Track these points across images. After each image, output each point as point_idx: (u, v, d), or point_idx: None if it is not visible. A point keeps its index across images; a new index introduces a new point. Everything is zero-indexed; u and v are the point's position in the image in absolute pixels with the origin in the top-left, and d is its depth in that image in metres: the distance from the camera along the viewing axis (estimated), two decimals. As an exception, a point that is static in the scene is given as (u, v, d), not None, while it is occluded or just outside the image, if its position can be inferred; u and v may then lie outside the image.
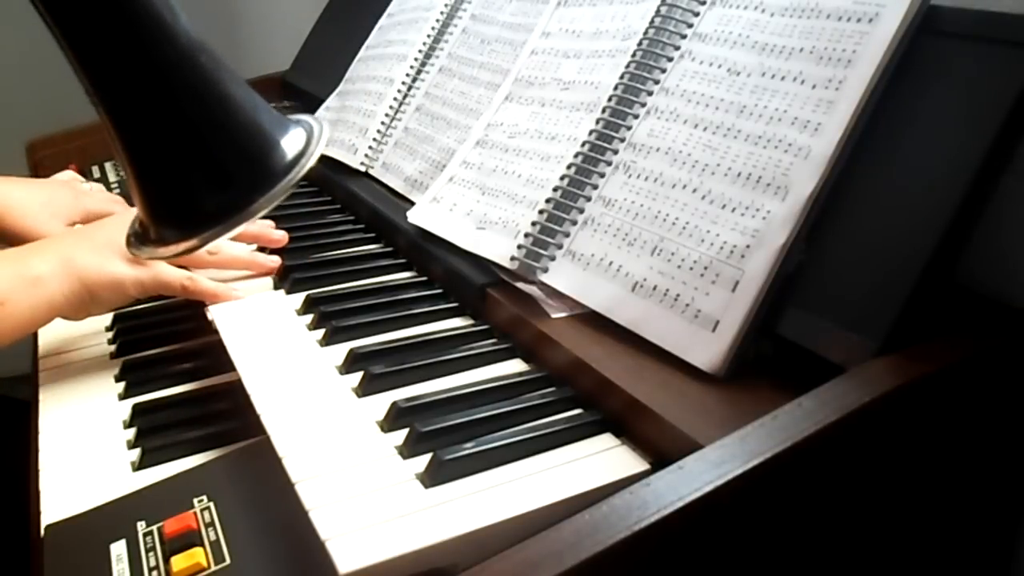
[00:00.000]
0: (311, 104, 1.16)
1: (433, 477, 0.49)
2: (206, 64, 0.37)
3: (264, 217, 0.85)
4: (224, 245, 0.77)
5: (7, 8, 1.43)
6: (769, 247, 0.55)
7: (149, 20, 0.35)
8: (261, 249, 0.84)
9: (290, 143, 0.40)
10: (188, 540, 0.50)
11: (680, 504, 0.40)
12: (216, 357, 0.69)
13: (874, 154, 0.54)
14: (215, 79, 0.37)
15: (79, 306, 0.68)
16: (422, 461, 0.50)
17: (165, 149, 0.38)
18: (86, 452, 0.61)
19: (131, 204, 0.86)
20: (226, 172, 0.38)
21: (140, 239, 0.40)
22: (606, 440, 0.53)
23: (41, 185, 0.95)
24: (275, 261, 0.80)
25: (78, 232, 0.76)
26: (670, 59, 0.67)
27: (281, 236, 0.84)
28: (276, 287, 0.78)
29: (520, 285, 0.67)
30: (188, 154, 0.38)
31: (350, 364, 0.62)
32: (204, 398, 0.68)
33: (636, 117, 0.66)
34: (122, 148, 0.37)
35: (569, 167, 0.68)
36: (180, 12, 0.36)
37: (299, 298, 0.74)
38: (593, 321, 0.61)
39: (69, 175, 1.03)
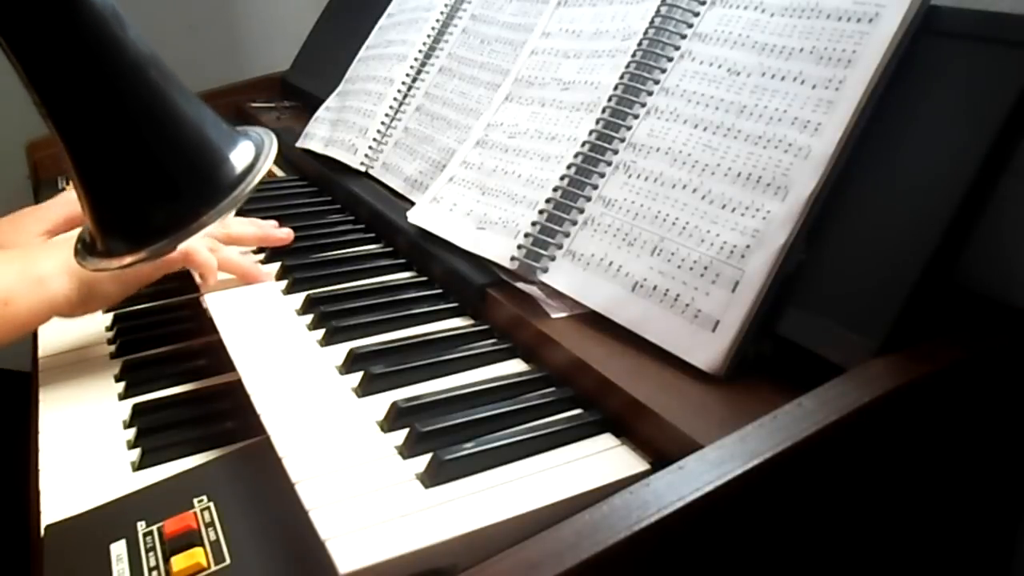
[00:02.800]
0: (311, 104, 1.16)
1: (433, 477, 0.49)
2: (155, 78, 0.37)
3: (265, 217, 0.86)
4: (223, 248, 0.77)
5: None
6: (769, 247, 0.55)
7: (98, 33, 0.35)
8: (261, 249, 0.84)
9: (239, 156, 0.40)
10: (188, 540, 0.50)
11: (680, 504, 0.40)
12: (216, 357, 0.69)
13: (874, 154, 0.54)
14: (164, 93, 0.38)
15: (79, 304, 0.68)
16: (422, 461, 0.50)
17: (113, 162, 0.38)
18: (86, 452, 0.61)
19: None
20: (174, 185, 0.39)
21: (88, 249, 0.40)
22: (606, 440, 0.53)
23: (5, 221, 0.94)
24: (268, 275, 0.79)
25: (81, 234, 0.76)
26: (670, 59, 0.67)
27: (286, 234, 0.83)
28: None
29: (520, 285, 0.67)
30: (136, 167, 0.38)
31: (350, 364, 0.62)
32: (204, 398, 0.68)
33: (636, 117, 0.66)
34: (70, 160, 0.37)
35: (569, 167, 0.68)
36: (130, 25, 0.36)
37: (299, 298, 0.74)
38: (593, 321, 0.61)
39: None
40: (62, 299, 0.67)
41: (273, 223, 0.85)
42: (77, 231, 0.86)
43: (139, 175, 0.38)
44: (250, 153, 0.40)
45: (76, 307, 0.68)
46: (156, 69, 0.37)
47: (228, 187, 0.39)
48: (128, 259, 0.39)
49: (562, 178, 0.68)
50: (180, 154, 0.38)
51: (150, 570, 0.49)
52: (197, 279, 0.76)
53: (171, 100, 0.38)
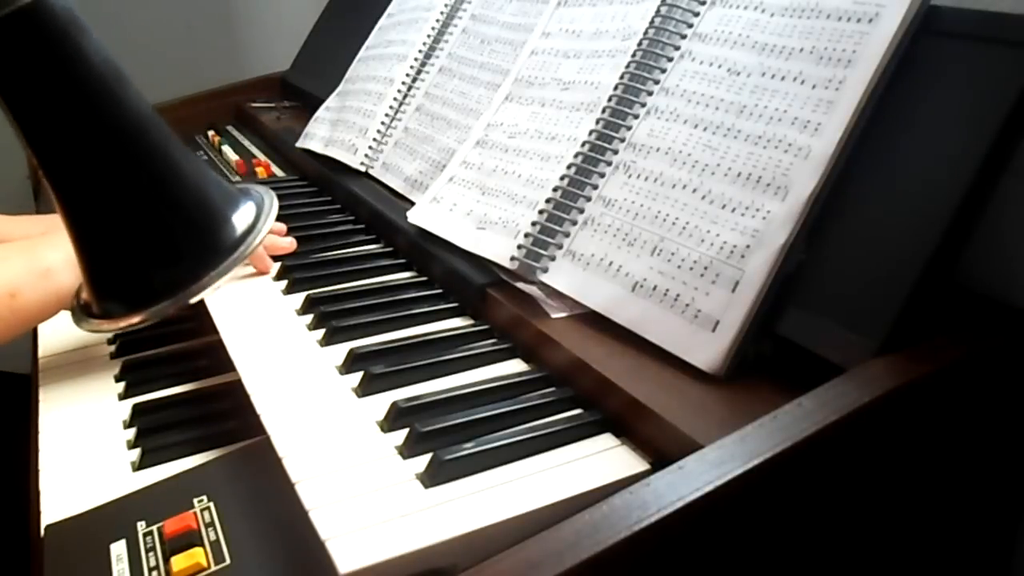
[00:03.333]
0: (311, 104, 1.16)
1: (433, 477, 0.49)
2: (155, 139, 0.37)
3: None
4: None
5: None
6: (769, 247, 0.55)
7: (99, 94, 0.35)
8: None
9: (240, 217, 0.39)
10: (188, 540, 0.50)
11: (680, 504, 0.40)
12: (216, 357, 0.69)
13: (874, 154, 0.54)
14: (164, 154, 0.37)
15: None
16: (422, 461, 0.50)
17: (113, 225, 0.37)
18: (86, 452, 0.61)
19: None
20: (175, 248, 0.38)
21: (84, 311, 0.40)
22: (606, 440, 0.53)
23: (38, 219, 0.95)
24: (272, 264, 0.80)
25: None
26: (670, 59, 0.67)
27: (289, 243, 0.83)
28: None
29: (520, 285, 0.67)
30: (137, 231, 0.37)
31: (350, 364, 0.62)
32: (204, 398, 0.68)
33: (636, 117, 0.66)
34: (67, 222, 0.37)
35: (569, 167, 0.68)
36: (130, 83, 0.36)
37: (299, 298, 0.74)
38: (593, 321, 0.61)
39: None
40: (68, 292, 0.66)
41: (282, 227, 0.85)
42: None
43: (140, 239, 0.37)
44: (251, 213, 0.40)
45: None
46: (156, 129, 0.37)
47: (229, 248, 0.38)
48: (125, 322, 0.38)
49: (562, 178, 0.68)
50: (181, 216, 0.38)
51: (150, 570, 0.49)
52: None
53: (172, 161, 0.37)
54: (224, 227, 0.39)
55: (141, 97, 0.36)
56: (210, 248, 0.38)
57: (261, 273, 0.79)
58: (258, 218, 0.40)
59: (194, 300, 0.38)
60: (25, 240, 0.71)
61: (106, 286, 0.39)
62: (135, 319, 0.38)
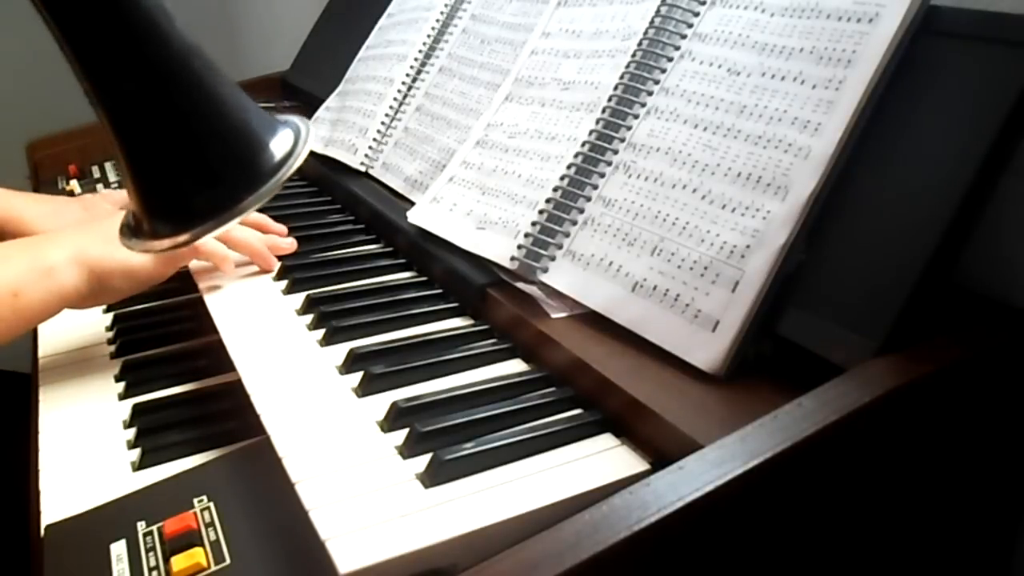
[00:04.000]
0: (311, 104, 1.16)
1: (433, 477, 0.49)
2: (199, 68, 0.38)
3: (269, 216, 0.86)
4: (235, 229, 0.78)
5: (7, 10, 1.43)
6: (769, 247, 0.55)
7: (146, 25, 0.37)
8: None
9: (278, 144, 0.41)
10: (188, 540, 0.50)
11: (680, 504, 0.40)
12: (216, 357, 0.69)
13: (874, 154, 0.54)
14: (207, 82, 0.39)
15: (88, 296, 0.68)
16: (422, 461, 0.50)
17: (160, 148, 0.39)
18: (86, 452, 0.61)
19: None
20: (216, 171, 0.40)
21: (133, 231, 0.42)
22: (606, 440, 0.53)
23: (49, 199, 0.95)
24: (276, 263, 0.81)
25: (91, 222, 0.77)
26: (670, 59, 0.67)
27: (290, 244, 0.83)
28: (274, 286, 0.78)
29: (520, 285, 0.67)
30: (181, 153, 0.39)
31: (350, 364, 0.62)
32: (204, 398, 0.68)
33: (636, 117, 0.66)
34: (119, 146, 0.39)
35: (569, 167, 0.68)
36: (175, 17, 0.38)
37: (299, 298, 0.74)
38: (593, 321, 0.61)
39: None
40: (72, 291, 0.66)
41: (283, 228, 0.85)
42: (83, 219, 0.88)
43: (184, 161, 0.39)
44: (289, 140, 0.42)
45: (86, 299, 0.68)
46: (200, 59, 0.39)
47: (268, 173, 0.40)
48: (172, 241, 0.40)
49: (562, 178, 0.68)
50: (223, 141, 0.40)
51: (150, 570, 0.49)
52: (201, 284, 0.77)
53: (215, 89, 0.39)
54: (263, 152, 0.41)
55: (186, 30, 0.38)
56: (250, 172, 0.40)
57: (265, 271, 0.79)
58: (296, 144, 0.42)
59: (236, 221, 0.40)
60: (28, 238, 0.71)
61: (153, 207, 0.41)
62: (180, 238, 0.40)
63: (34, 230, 0.84)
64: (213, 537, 0.51)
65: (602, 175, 0.66)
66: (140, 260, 0.70)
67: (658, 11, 0.69)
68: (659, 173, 0.62)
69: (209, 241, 0.74)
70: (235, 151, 0.40)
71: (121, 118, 0.38)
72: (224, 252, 0.77)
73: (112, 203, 0.95)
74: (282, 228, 0.85)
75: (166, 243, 0.40)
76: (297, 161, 0.41)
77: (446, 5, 0.99)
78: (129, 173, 0.40)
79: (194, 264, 0.79)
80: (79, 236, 0.68)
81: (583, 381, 0.57)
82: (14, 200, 0.88)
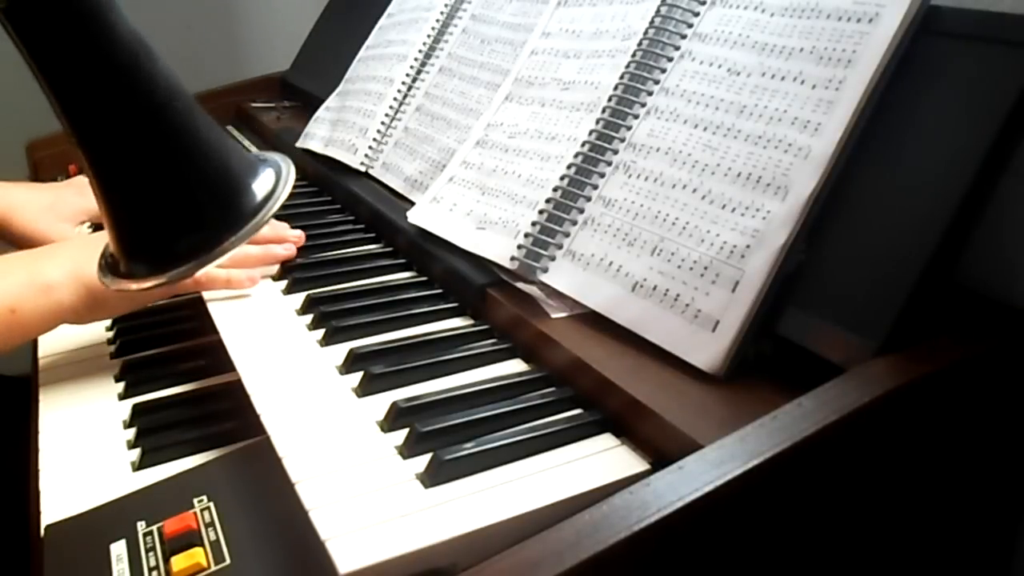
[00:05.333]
0: (311, 104, 1.16)
1: (433, 477, 0.49)
2: (181, 109, 0.38)
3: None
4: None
5: (7, 8, 1.42)
6: (769, 247, 0.55)
7: (129, 67, 0.37)
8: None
9: (260, 184, 0.41)
10: (188, 540, 0.50)
11: (680, 504, 0.40)
12: (216, 357, 0.69)
13: (874, 154, 0.54)
14: (189, 125, 0.39)
15: (85, 313, 0.68)
16: (422, 461, 0.50)
17: (140, 191, 0.39)
18: (86, 452, 0.61)
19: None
20: (198, 213, 0.40)
21: (110, 269, 0.42)
22: (606, 440, 0.53)
23: (46, 188, 0.95)
24: (290, 250, 0.80)
25: (90, 238, 0.77)
26: (670, 59, 0.67)
27: (297, 235, 0.83)
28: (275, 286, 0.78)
29: (520, 285, 0.67)
30: (162, 196, 0.39)
31: (350, 364, 0.62)
32: (204, 398, 0.68)
33: (636, 117, 0.66)
34: (98, 187, 0.39)
35: (569, 167, 0.68)
36: (159, 57, 0.38)
37: (299, 298, 0.74)
38: (593, 321, 0.61)
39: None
40: (69, 308, 0.66)
41: (283, 224, 0.84)
42: (86, 232, 0.87)
43: (165, 204, 0.39)
44: (270, 180, 0.42)
45: (83, 315, 0.68)
46: (182, 100, 0.38)
47: (250, 214, 0.40)
48: (149, 283, 0.40)
49: (562, 178, 0.68)
50: (204, 182, 0.40)
51: (150, 570, 0.49)
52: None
53: (196, 130, 0.39)
54: (245, 193, 0.41)
55: (169, 69, 0.38)
56: (231, 213, 0.40)
57: (283, 260, 0.79)
58: (277, 183, 0.42)
59: (215, 264, 0.40)
60: (27, 252, 0.71)
61: (132, 248, 0.40)
62: (158, 280, 0.39)
63: (29, 220, 0.83)
64: (213, 537, 0.51)
65: (602, 175, 0.66)
66: None
67: (658, 11, 0.69)
68: (659, 173, 0.62)
69: (214, 272, 0.74)
70: (216, 193, 0.40)
71: (101, 160, 0.38)
72: (225, 275, 0.75)
73: None
74: (299, 234, 0.84)
75: (144, 284, 0.40)
76: (278, 202, 0.41)
77: (446, 5, 0.99)
78: (108, 214, 0.39)
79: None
80: (77, 252, 0.68)
81: (583, 381, 0.57)
82: (11, 192, 0.87)
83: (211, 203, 0.40)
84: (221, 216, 0.40)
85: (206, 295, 0.74)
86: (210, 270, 0.73)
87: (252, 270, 0.77)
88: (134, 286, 0.40)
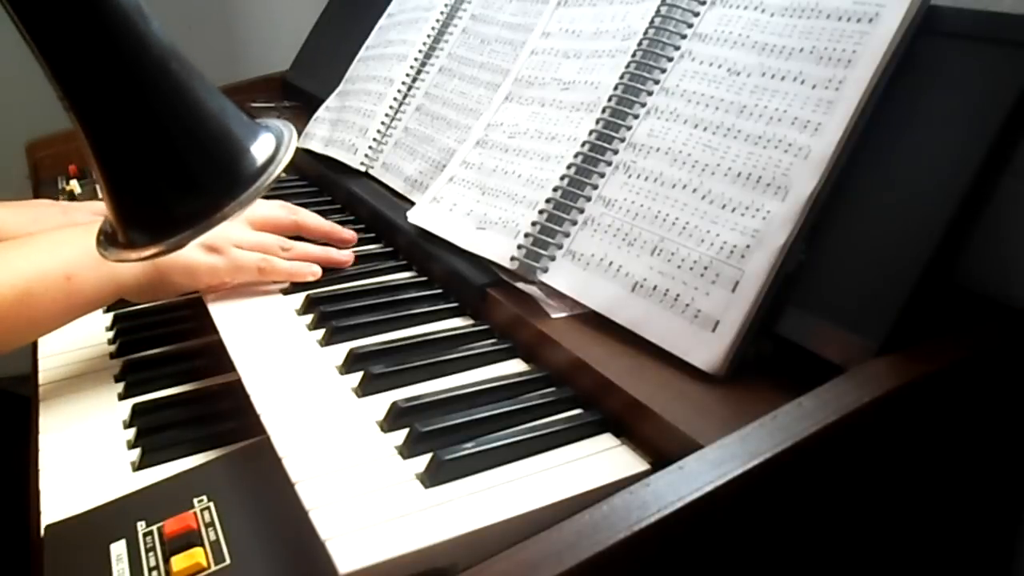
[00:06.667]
0: (311, 104, 1.16)
1: (433, 477, 0.49)
2: (177, 71, 0.37)
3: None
4: (297, 244, 0.78)
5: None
6: (769, 247, 0.55)
7: (121, 27, 0.35)
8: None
9: (260, 149, 0.40)
10: (188, 540, 0.50)
11: (680, 504, 0.40)
12: (216, 357, 0.69)
13: (874, 154, 0.54)
14: (186, 86, 0.38)
15: (147, 288, 0.68)
16: (422, 461, 0.50)
17: (136, 155, 0.38)
18: (86, 452, 0.61)
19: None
20: (196, 178, 0.39)
21: (109, 240, 0.40)
22: (606, 440, 0.53)
23: (28, 205, 0.95)
24: (348, 256, 0.80)
25: None
26: (670, 59, 0.67)
27: (351, 235, 0.83)
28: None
29: (520, 285, 0.67)
30: (158, 160, 0.38)
31: (350, 364, 0.62)
32: (204, 398, 0.68)
33: (636, 117, 0.66)
34: (93, 153, 0.38)
35: (569, 167, 0.68)
36: (152, 18, 0.37)
37: (299, 298, 0.74)
38: (593, 321, 0.61)
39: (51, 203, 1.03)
40: (131, 280, 0.66)
41: (352, 235, 0.84)
42: (63, 223, 0.86)
43: (161, 168, 0.38)
44: (271, 145, 0.40)
45: (144, 291, 0.68)
46: (178, 62, 0.37)
47: (249, 179, 0.39)
48: (149, 251, 0.39)
49: (562, 178, 0.68)
50: (202, 146, 0.38)
51: (150, 570, 0.49)
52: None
53: (193, 93, 0.38)
54: (244, 157, 0.39)
55: (163, 31, 0.37)
56: (230, 179, 0.39)
57: (343, 264, 0.79)
58: (278, 149, 0.40)
59: (215, 229, 0.38)
60: (90, 223, 0.70)
61: (128, 215, 0.39)
62: (158, 248, 0.38)
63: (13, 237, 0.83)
64: (213, 537, 0.51)
65: (602, 175, 0.66)
66: (203, 260, 0.70)
67: (658, 11, 0.69)
68: (659, 173, 0.62)
69: (279, 266, 0.74)
70: (215, 156, 0.39)
71: (95, 124, 0.37)
72: (288, 267, 0.75)
73: (93, 213, 0.93)
74: (352, 235, 0.83)
75: (144, 252, 0.39)
76: (280, 166, 0.40)
77: (446, 5, 0.99)
78: (104, 181, 0.38)
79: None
80: None
81: (583, 381, 0.57)
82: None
83: (209, 168, 0.39)
84: (220, 181, 0.38)
85: (206, 296, 0.74)
86: (275, 261, 0.74)
87: (314, 265, 0.77)
88: (134, 255, 0.39)
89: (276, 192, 1.02)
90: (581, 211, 0.66)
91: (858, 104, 0.55)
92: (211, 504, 0.53)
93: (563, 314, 0.63)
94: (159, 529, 0.52)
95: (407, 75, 0.98)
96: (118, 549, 0.51)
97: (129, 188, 0.39)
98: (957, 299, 0.57)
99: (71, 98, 0.36)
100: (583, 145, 0.68)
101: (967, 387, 0.53)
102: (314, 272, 0.76)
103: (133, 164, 0.38)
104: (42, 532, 0.53)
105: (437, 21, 0.99)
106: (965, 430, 0.54)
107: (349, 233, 0.83)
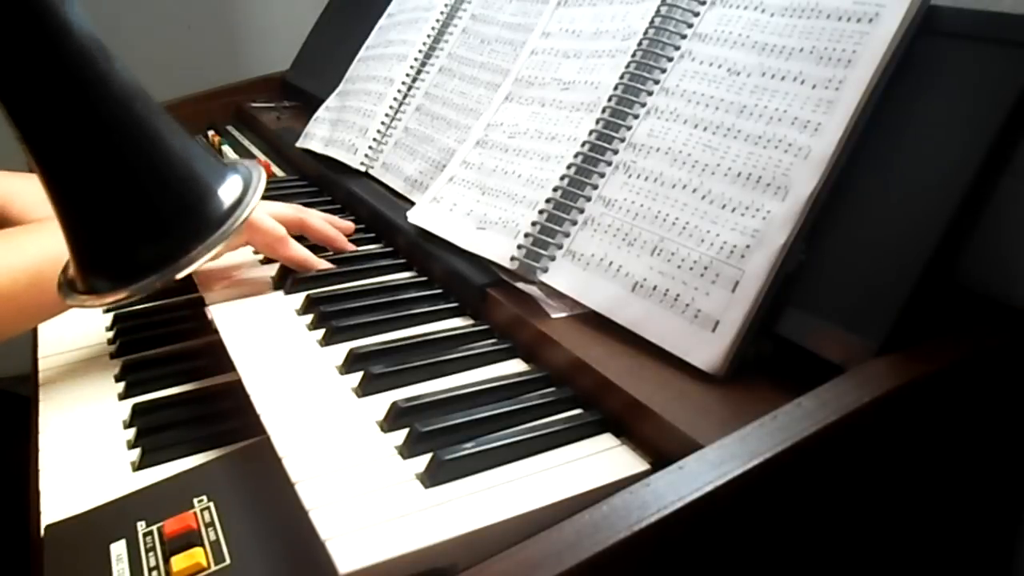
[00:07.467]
0: (311, 104, 1.16)
1: (433, 477, 0.49)
2: (140, 111, 0.36)
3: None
4: (311, 217, 0.81)
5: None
6: (769, 247, 0.55)
7: (81, 66, 0.34)
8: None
9: (227, 191, 0.39)
10: (188, 540, 0.50)
11: (680, 504, 0.40)
12: (216, 357, 0.69)
13: (874, 154, 0.54)
14: (150, 127, 0.36)
15: None
16: (422, 461, 0.50)
17: (97, 198, 0.36)
18: (86, 452, 0.61)
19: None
20: (161, 222, 0.37)
21: (71, 287, 0.39)
22: (606, 440, 0.53)
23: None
24: (349, 245, 0.83)
25: None
26: (670, 59, 0.67)
27: (348, 225, 0.86)
28: (276, 287, 0.77)
29: (520, 285, 0.67)
30: (122, 205, 0.37)
31: (350, 364, 0.62)
32: (204, 398, 0.68)
33: (636, 117, 0.66)
34: (52, 196, 0.36)
35: (569, 167, 0.68)
36: (116, 57, 0.35)
37: (299, 298, 0.74)
38: (593, 321, 0.61)
39: None
40: None
41: (348, 225, 0.86)
42: None
43: (124, 211, 0.37)
44: (238, 187, 0.39)
45: None
46: (142, 102, 0.36)
47: (216, 222, 0.38)
48: (111, 298, 0.37)
49: (562, 178, 0.68)
50: (167, 189, 0.37)
51: (150, 570, 0.49)
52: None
53: (158, 134, 0.37)
54: (211, 200, 0.38)
55: (127, 70, 0.35)
56: (197, 222, 0.37)
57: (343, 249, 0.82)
58: (245, 192, 0.39)
59: (180, 276, 0.37)
60: None
61: (91, 261, 0.38)
62: (120, 295, 0.37)
63: (23, 214, 0.83)
64: (213, 537, 0.51)
65: (602, 175, 0.66)
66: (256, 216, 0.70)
67: (658, 11, 0.69)
68: (659, 173, 0.62)
69: (296, 248, 0.76)
70: (181, 200, 0.37)
71: (54, 167, 0.35)
72: (303, 255, 0.77)
73: None
74: (348, 225, 0.86)
75: (106, 299, 0.37)
76: (248, 208, 0.38)
77: (446, 5, 0.99)
78: (65, 227, 0.37)
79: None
80: None
81: (583, 381, 0.57)
82: (9, 181, 0.87)
83: (175, 211, 0.37)
84: (186, 224, 0.37)
85: (206, 295, 0.74)
86: (291, 241, 0.76)
87: (324, 262, 0.79)
88: (96, 302, 0.38)
89: (277, 192, 1.03)
90: (581, 211, 0.66)
91: (858, 104, 0.55)
92: (211, 504, 0.53)
93: (563, 314, 0.63)
94: (159, 529, 0.52)
95: (407, 75, 0.98)
96: (118, 549, 0.51)
97: (91, 234, 0.37)
98: (957, 299, 0.57)
99: (28, 139, 0.34)
100: (583, 145, 0.68)
101: (967, 387, 0.53)
102: (326, 265, 0.78)
103: (95, 208, 0.36)
104: (42, 532, 0.53)
105: (437, 21, 0.99)
106: (965, 430, 0.54)
107: (348, 245, 0.84)
